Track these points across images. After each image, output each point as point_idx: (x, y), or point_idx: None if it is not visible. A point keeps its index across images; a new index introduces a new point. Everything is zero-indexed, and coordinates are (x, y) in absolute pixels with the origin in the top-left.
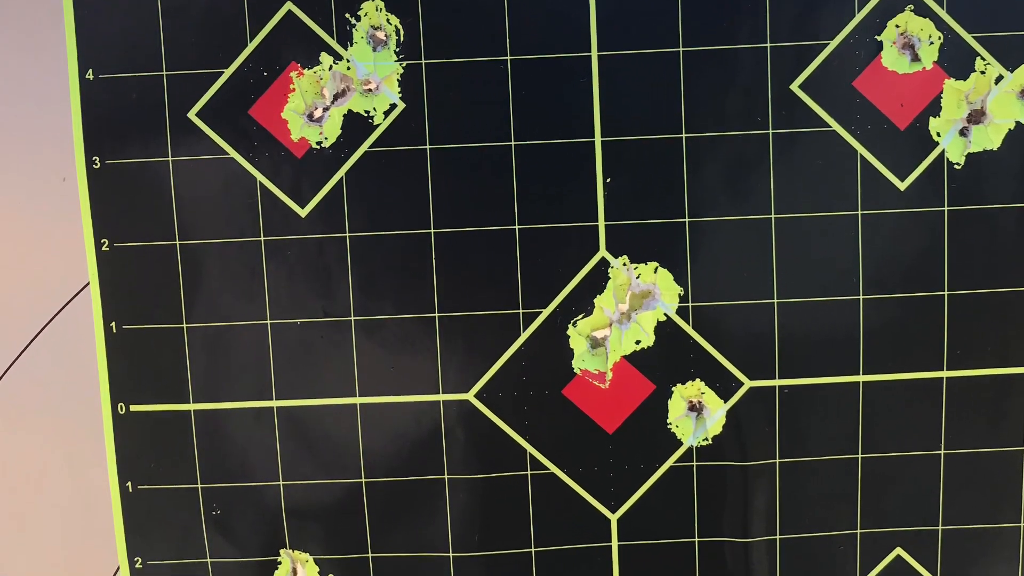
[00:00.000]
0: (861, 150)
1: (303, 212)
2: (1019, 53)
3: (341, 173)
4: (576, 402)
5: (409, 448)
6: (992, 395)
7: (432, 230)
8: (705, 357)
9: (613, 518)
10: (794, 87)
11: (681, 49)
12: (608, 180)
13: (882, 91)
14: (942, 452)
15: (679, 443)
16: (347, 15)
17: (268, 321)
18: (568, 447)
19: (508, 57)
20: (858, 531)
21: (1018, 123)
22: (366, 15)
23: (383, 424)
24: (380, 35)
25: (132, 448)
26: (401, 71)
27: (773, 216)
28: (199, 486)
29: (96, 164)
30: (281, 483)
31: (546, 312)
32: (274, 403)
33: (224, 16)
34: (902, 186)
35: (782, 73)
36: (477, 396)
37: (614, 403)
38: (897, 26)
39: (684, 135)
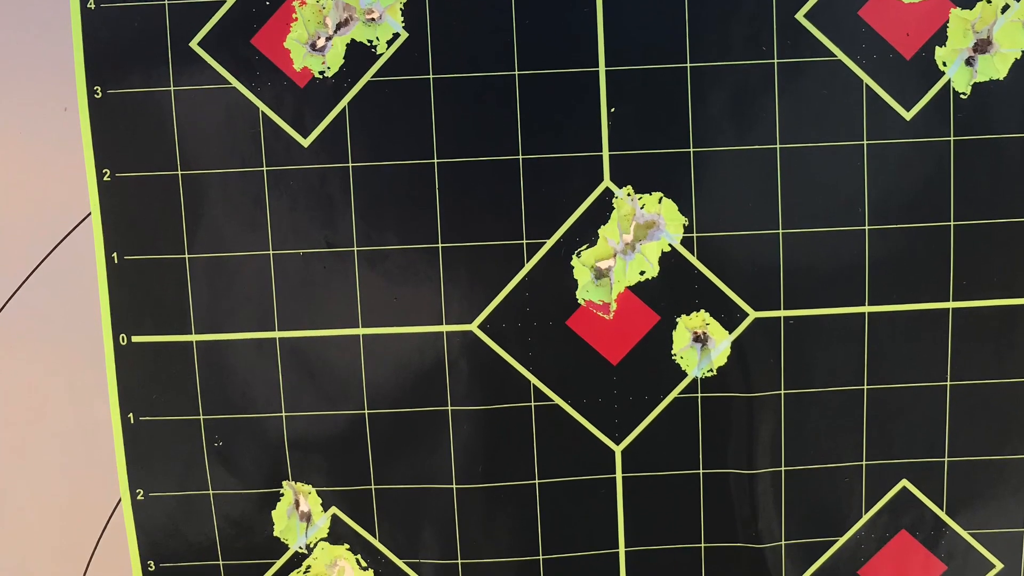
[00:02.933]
0: (867, 80)
1: (306, 142)
2: None
3: (344, 103)
4: (580, 333)
5: (412, 379)
6: (998, 326)
7: (435, 160)
8: (710, 288)
9: (617, 450)
10: (799, 16)
11: None
12: (612, 110)
13: (888, 20)
14: (948, 383)
15: (683, 374)
16: None
17: (270, 252)
18: (572, 378)
19: None
20: (863, 463)
21: None
22: None
23: (386, 355)
24: None
25: (134, 379)
26: (404, 0)
27: (778, 146)
28: (201, 418)
29: (97, 94)
30: (283, 414)
31: (550, 243)
32: (276, 334)
33: None
34: (908, 116)
35: (787, 2)
36: (480, 327)
37: (618, 334)
38: None
39: (688, 65)
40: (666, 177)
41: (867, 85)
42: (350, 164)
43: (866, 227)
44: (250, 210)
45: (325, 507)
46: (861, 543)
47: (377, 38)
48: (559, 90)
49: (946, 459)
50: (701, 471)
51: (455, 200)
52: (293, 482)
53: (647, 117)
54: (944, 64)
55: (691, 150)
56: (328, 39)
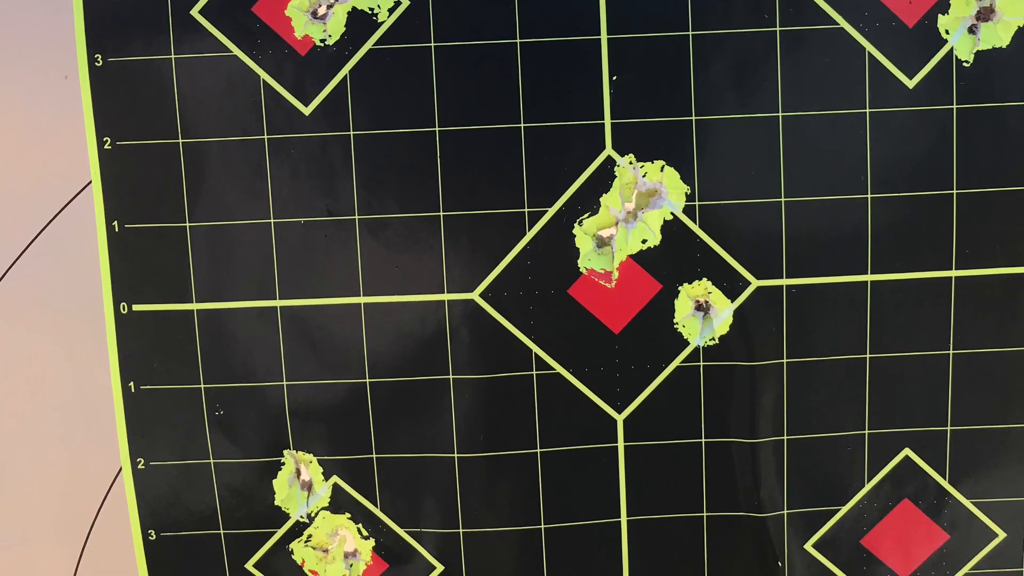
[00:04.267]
0: (869, 48)
1: (307, 110)
2: None
3: (345, 71)
4: (582, 302)
5: (414, 348)
6: (1001, 295)
7: (437, 128)
8: (712, 256)
9: (619, 418)
10: None
11: None
12: (614, 78)
13: None
14: (951, 352)
15: (686, 343)
16: None
17: (271, 220)
18: (574, 347)
19: None
20: (866, 432)
21: None
22: None
23: (387, 324)
24: None
25: (134, 348)
26: None
27: (780, 114)
28: (202, 386)
29: (98, 62)
30: (284, 383)
31: (552, 211)
32: (277, 303)
33: None
34: (910, 84)
35: None
36: (482, 296)
37: (620, 303)
38: None
39: (691, 32)
40: (668, 145)
41: (869, 53)
42: (351, 132)
43: (868, 195)
44: (251, 178)
45: (326, 476)
46: (864, 512)
47: (378, 6)
48: (561, 58)
49: (949, 428)
50: (703, 440)
51: (456, 168)
52: (294, 451)
53: (649, 85)
54: (947, 32)
55: (693, 118)
56: (329, 7)
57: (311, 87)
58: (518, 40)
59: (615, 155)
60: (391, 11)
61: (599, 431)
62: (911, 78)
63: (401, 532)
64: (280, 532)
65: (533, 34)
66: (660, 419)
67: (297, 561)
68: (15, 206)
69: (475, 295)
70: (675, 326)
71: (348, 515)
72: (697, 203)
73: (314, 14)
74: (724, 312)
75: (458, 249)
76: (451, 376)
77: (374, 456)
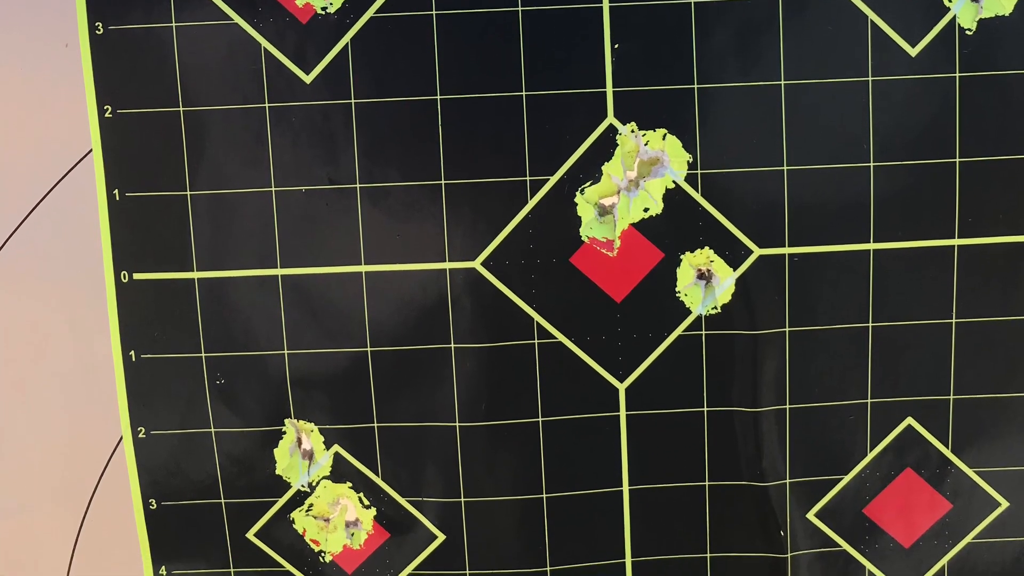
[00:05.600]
0: (872, 16)
1: (308, 79)
2: None
3: (346, 39)
4: (584, 270)
5: (415, 317)
6: (1004, 263)
7: (438, 97)
8: (714, 225)
9: (621, 387)
10: None
11: None
12: (616, 46)
13: None
14: (953, 321)
15: (688, 312)
16: None
17: (272, 188)
18: (576, 316)
19: None
20: (868, 401)
21: None
22: None
23: (389, 292)
24: None
25: (135, 317)
26: None
27: (783, 82)
28: (203, 355)
29: (99, 30)
30: (286, 352)
31: (553, 179)
32: (278, 271)
33: None
34: (913, 52)
35: None
36: (484, 264)
37: (622, 271)
38: None
39: (693, 0)
40: (670, 114)
41: (872, 21)
42: (352, 101)
43: (871, 164)
44: (252, 147)
45: (327, 445)
46: (866, 481)
47: None
48: (562, 26)
49: (951, 397)
50: (705, 409)
51: (458, 137)
52: (295, 420)
53: (651, 53)
54: (949, 0)
55: (695, 87)
56: None
57: (312, 55)
58: (519, 8)
59: (617, 123)
60: None
61: (601, 400)
62: (914, 46)
63: (402, 501)
64: (281, 501)
65: (535, 2)
66: (662, 388)
67: (298, 530)
68: (16, 175)
69: (476, 264)
70: (677, 295)
71: (349, 484)
72: (699, 171)
73: None
74: (726, 281)
75: (459, 217)
76: (452, 345)
77: (375, 425)
